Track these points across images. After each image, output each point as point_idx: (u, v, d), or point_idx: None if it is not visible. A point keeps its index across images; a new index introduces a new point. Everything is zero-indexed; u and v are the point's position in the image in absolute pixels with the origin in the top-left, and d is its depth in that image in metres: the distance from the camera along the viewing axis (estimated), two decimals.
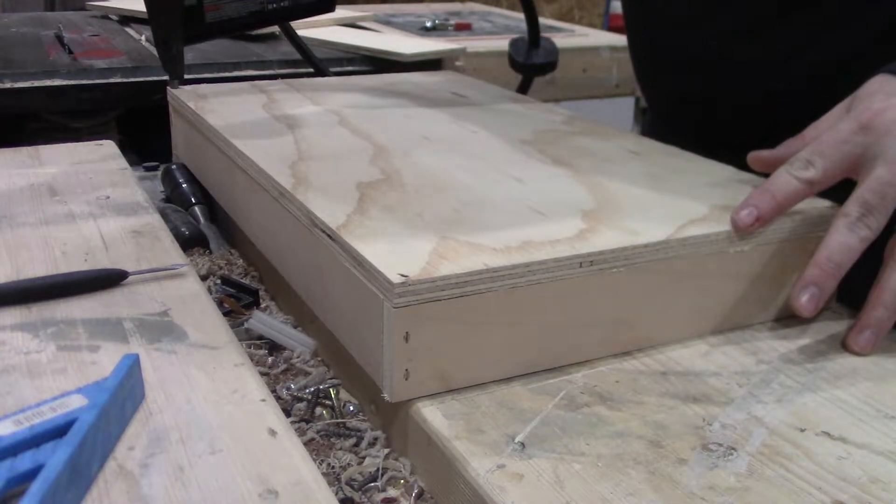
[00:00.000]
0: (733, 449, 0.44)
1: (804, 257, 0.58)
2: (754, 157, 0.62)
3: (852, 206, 0.53)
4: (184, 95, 0.87)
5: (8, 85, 1.06)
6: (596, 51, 1.73)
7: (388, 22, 1.80)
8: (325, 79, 1.00)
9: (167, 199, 0.86)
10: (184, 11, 0.78)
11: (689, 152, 0.71)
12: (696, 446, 0.44)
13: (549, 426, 0.46)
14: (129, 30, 1.45)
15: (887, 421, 0.47)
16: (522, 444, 0.44)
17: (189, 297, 0.57)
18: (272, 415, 0.45)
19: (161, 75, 1.15)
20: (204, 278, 0.69)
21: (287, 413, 0.52)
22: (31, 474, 0.37)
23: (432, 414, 0.47)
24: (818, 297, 0.53)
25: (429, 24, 1.77)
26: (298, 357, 0.58)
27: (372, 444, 0.50)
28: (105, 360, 0.49)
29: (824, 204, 0.59)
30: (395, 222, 0.54)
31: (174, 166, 0.88)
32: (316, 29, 1.43)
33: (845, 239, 0.53)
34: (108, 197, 0.73)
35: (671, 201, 0.59)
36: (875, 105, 0.55)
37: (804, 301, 0.53)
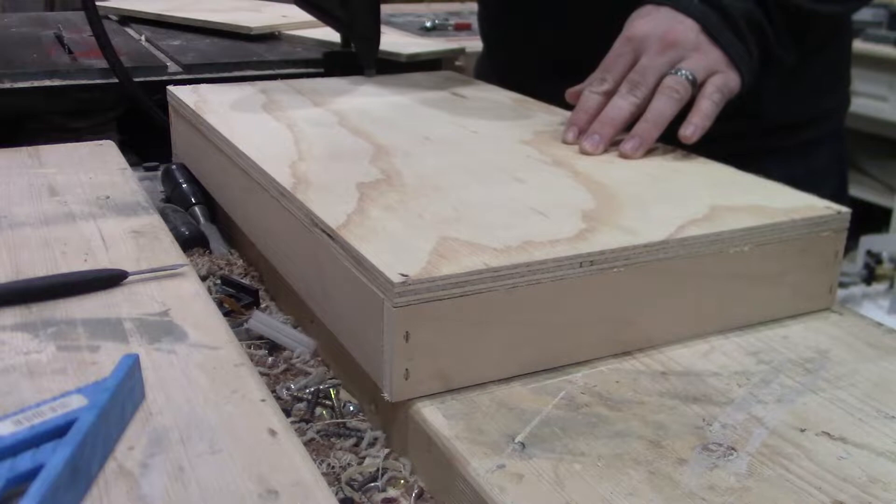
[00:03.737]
0: (733, 449, 0.44)
1: (804, 257, 0.58)
2: (569, 92, 0.78)
3: (624, 84, 0.73)
4: (184, 95, 0.87)
5: (8, 85, 1.06)
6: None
7: (388, 22, 1.79)
8: (325, 79, 1.01)
9: (167, 199, 0.86)
10: None
11: (689, 152, 0.71)
12: (696, 446, 0.44)
13: (549, 426, 0.46)
14: (129, 30, 1.45)
15: (887, 421, 0.47)
16: (522, 444, 0.44)
17: (189, 297, 0.57)
18: (272, 415, 0.45)
19: (161, 75, 1.15)
20: (204, 278, 0.69)
21: (287, 413, 0.52)
22: (31, 474, 0.37)
23: (432, 414, 0.47)
24: (599, 142, 0.71)
25: (429, 24, 1.77)
26: (298, 357, 0.58)
27: (372, 444, 0.50)
28: (105, 360, 0.49)
29: (823, 204, 0.59)
30: (395, 222, 0.54)
31: (174, 166, 0.88)
32: (316, 29, 1.43)
33: (619, 102, 0.73)
34: (108, 197, 0.73)
35: (671, 201, 0.59)
36: (633, 22, 0.75)
37: (588, 144, 0.71)
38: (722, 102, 0.72)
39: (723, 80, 0.72)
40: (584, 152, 0.70)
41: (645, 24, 0.74)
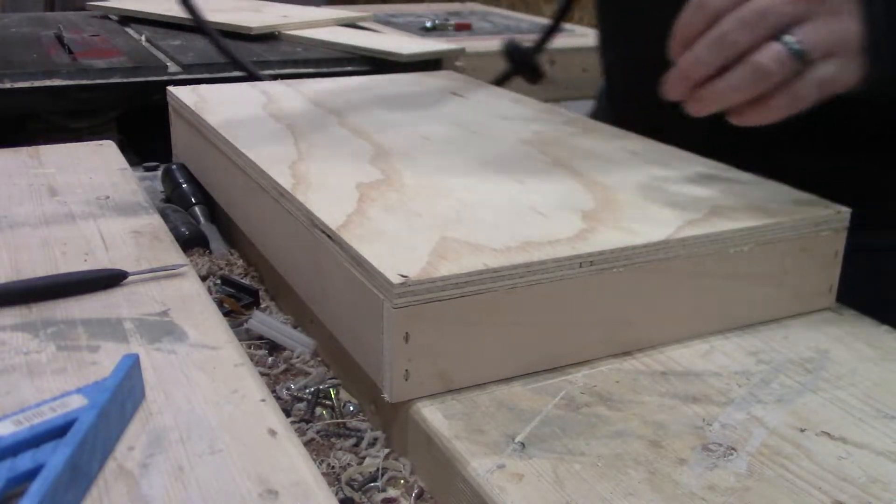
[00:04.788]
0: (733, 449, 0.44)
1: (804, 257, 0.58)
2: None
3: (728, 19, 0.55)
4: (184, 95, 0.87)
5: (8, 85, 1.06)
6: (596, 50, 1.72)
7: (388, 22, 1.79)
8: (325, 79, 1.01)
9: (167, 199, 0.86)
10: None
11: (689, 152, 0.71)
12: (696, 446, 0.44)
13: (549, 426, 0.46)
14: (129, 30, 1.45)
15: (887, 421, 0.47)
16: (522, 444, 0.44)
17: (189, 297, 0.57)
18: (272, 415, 0.45)
19: (161, 75, 1.15)
20: (204, 278, 0.69)
21: (287, 413, 0.52)
22: (31, 474, 0.37)
23: (432, 414, 0.47)
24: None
25: (429, 24, 1.77)
26: (298, 357, 0.58)
27: (372, 444, 0.50)
28: (105, 360, 0.49)
29: (822, 204, 0.59)
30: (394, 222, 0.54)
31: (174, 166, 0.88)
32: (316, 29, 1.43)
33: (702, 56, 0.56)
34: (108, 197, 0.73)
35: (671, 201, 0.59)
36: None
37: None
38: (815, 101, 0.57)
39: (834, 72, 0.56)
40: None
41: None
